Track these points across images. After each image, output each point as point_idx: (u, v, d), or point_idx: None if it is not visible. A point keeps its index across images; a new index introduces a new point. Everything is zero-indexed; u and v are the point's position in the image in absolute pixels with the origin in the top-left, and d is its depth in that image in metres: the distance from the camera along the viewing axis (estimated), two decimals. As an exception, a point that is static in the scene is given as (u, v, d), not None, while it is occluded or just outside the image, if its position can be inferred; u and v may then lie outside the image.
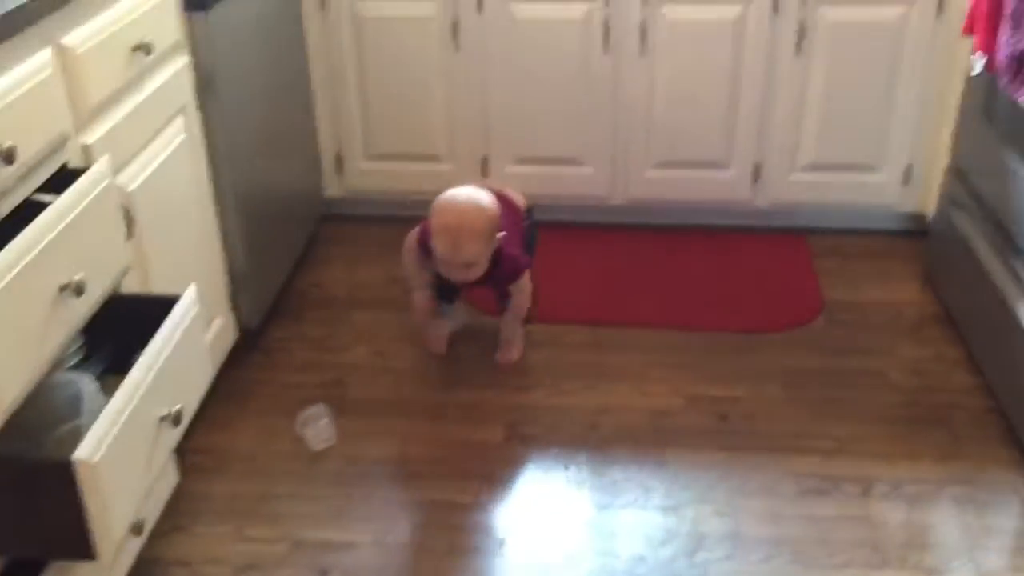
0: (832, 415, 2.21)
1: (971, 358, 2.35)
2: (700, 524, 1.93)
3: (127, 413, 1.37)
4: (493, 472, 2.07)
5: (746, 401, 2.26)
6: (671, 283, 2.70)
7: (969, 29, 2.22)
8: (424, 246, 2.22)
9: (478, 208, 2.11)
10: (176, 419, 1.51)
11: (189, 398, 1.61)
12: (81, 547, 1.33)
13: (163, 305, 1.59)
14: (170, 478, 1.85)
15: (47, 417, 1.41)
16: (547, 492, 2.03)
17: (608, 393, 2.30)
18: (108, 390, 1.47)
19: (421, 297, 2.35)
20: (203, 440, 2.12)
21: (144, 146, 1.80)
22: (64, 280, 1.36)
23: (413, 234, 2.27)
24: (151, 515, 1.72)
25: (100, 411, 1.37)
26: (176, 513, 1.92)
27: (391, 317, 2.54)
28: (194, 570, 1.83)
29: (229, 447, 2.13)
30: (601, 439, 2.16)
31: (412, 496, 2.01)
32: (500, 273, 2.22)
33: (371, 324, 2.54)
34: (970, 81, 2.38)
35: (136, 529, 1.52)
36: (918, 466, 2.06)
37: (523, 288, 2.29)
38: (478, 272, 2.15)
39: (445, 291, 2.38)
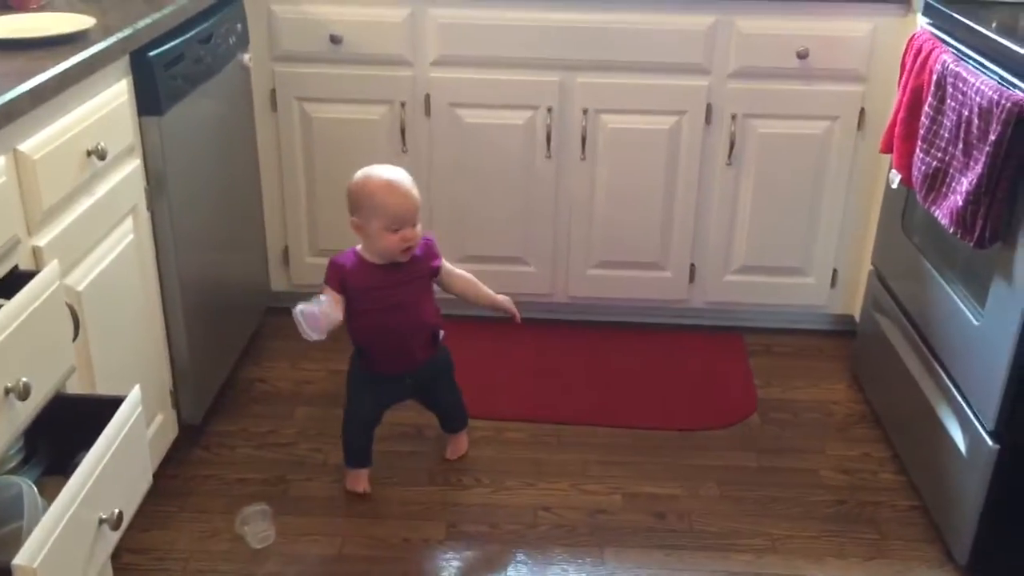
0: (765, 513, 2.27)
1: (896, 457, 2.44)
2: (638, 625, 1.96)
3: (67, 517, 1.37)
4: (434, 571, 2.08)
5: (683, 499, 2.31)
6: (611, 380, 2.76)
7: (887, 147, 2.37)
8: (346, 280, 2.12)
9: (395, 167, 2.14)
10: (116, 523, 1.51)
11: (130, 500, 1.61)
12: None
13: (107, 406, 1.60)
14: (106, 579, 1.83)
15: (-13, 521, 1.41)
16: (486, 591, 2.04)
17: (548, 491, 2.33)
18: (48, 491, 1.47)
19: (354, 475, 2.30)
20: (139, 540, 2.10)
21: (94, 246, 1.84)
22: (10, 383, 1.37)
23: (328, 308, 2.08)
24: None
25: (40, 514, 1.37)
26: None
27: (333, 413, 2.54)
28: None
29: (166, 547, 2.11)
30: (540, 537, 2.19)
31: (354, 597, 2.01)
32: (420, 249, 2.16)
33: (314, 419, 2.55)
34: (888, 193, 2.52)
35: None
36: (847, 565, 2.11)
37: (458, 271, 2.29)
38: (419, 234, 2.11)
39: (387, 391, 2.28)
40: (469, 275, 2.30)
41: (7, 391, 1.37)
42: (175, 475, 2.30)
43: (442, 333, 2.27)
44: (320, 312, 2.02)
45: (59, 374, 1.54)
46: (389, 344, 2.17)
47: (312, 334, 2.00)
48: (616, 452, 2.47)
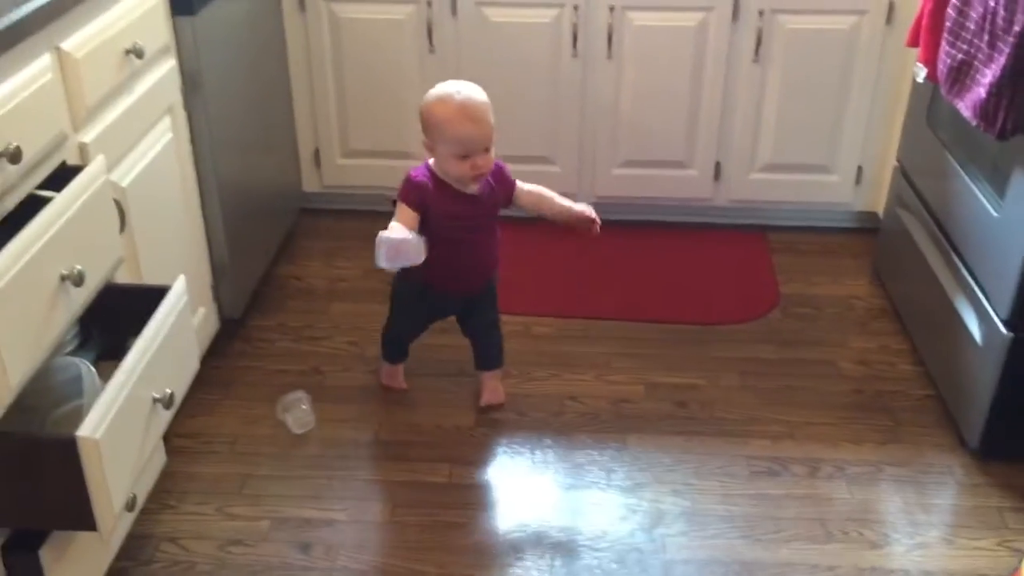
0: (784, 402, 2.35)
1: (914, 349, 2.50)
2: (658, 503, 2.06)
3: (124, 395, 1.48)
4: (464, 455, 2.19)
5: (704, 389, 2.40)
6: (635, 277, 2.83)
7: (913, 41, 2.37)
8: (423, 193, 2.02)
9: (472, 87, 2.01)
10: (168, 402, 1.62)
11: (179, 382, 1.71)
12: (82, 519, 1.43)
13: (153, 295, 1.69)
14: (159, 459, 1.95)
15: (50, 397, 1.52)
16: (515, 474, 2.15)
17: (573, 382, 2.42)
18: (103, 374, 1.57)
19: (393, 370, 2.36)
20: (188, 425, 2.22)
21: (135, 144, 1.90)
22: (65, 270, 1.46)
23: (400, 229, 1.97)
24: (142, 493, 1.82)
25: (98, 393, 1.48)
26: (164, 493, 2.02)
27: (367, 308, 2.65)
28: (182, 545, 1.93)
29: (213, 431, 2.23)
30: (566, 424, 2.28)
31: (387, 476, 2.12)
32: (493, 178, 2.08)
33: (348, 315, 2.65)
34: (915, 88, 2.52)
35: (130, 505, 1.62)
36: (861, 449, 2.20)
37: (535, 188, 2.17)
38: (491, 161, 2.01)
39: (434, 307, 2.24)
40: (541, 188, 2.17)
41: (63, 278, 1.46)
42: (218, 366, 2.41)
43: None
44: (411, 247, 1.91)
45: (109, 264, 1.63)
46: (455, 269, 2.12)
47: (386, 263, 1.92)
48: (640, 345, 2.55)
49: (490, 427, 2.27)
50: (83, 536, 1.58)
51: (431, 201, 2.02)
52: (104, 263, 1.61)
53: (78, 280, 1.48)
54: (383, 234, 1.91)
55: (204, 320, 2.29)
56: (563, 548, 1.95)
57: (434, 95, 2.00)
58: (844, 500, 2.06)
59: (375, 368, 2.44)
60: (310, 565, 1.90)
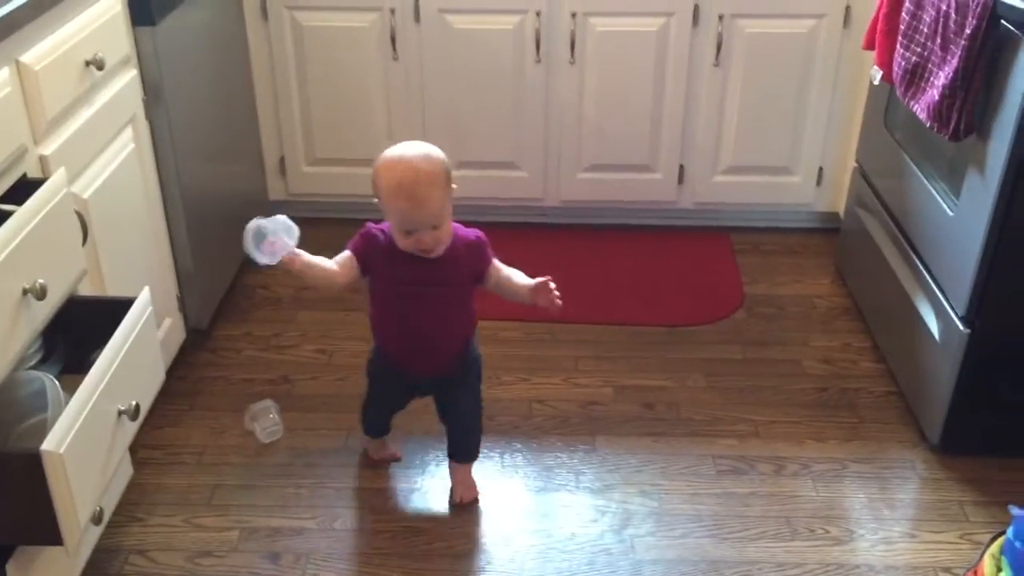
0: (749, 402, 2.38)
1: (876, 347, 2.54)
2: (627, 504, 2.08)
3: (89, 407, 1.47)
4: (434, 460, 2.20)
5: (671, 390, 2.42)
6: (602, 280, 2.85)
7: (870, 44, 2.41)
8: (369, 250, 1.87)
9: (428, 154, 1.78)
10: (133, 414, 1.61)
11: (145, 393, 1.71)
12: (48, 533, 1.42)
13: (118, 307, 1.68)
14: (125, 471, 1.94)
15: (14, 411, 1.51)
16: (485, 477, 2.16)
17: (541, 385, 2.44)
18: (67, 388, 1.56)
19: (375, 444, 2.18)
20: (155, 436, 2.21)
21: (96, 155, 1.89)
22: (27, 284, 1.45)
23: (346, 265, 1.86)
24: (109, 506, 1.81)
25: (62, 406, 1.47)
26: (131, 505, 2.01)
27: (335, 316, 2.65)
28: (150, 558, 1.92)
29: (180, 442, 2.22)
30: (535, 428, 2.30)
31: (357, 484, 2.13)
32: (464, 250, 1.88)
33: (316, 323, 2.65)
34: (872, 90, 2.57)
35: (96, 518, 1.61)
36: (826, 447, 2.23)
37: (504, 272, 1.94)
38: (445, 238, 1.80)
39: (404, 387, 2.05)
40: (512, 272, 1.95)
41: (25, 291, 1.45)
42: (184, 376, 2.40)
43: (475, 336, 2.02)
44: (286, 245, 1.78)
45: (72, 276, 1.62)
46: (409, 343, 1.93)
47: (262, 258, 1.78)
48: (607, 348, 2.57)
49: (459, 432, 2.28)
50: (49, 550, 1.57)
51: (379, 256, 1.84)
52: (66, 276, 1.60)
53: (40, 294, 1.47)
54: (256, 222, 1.78)
55: (170, 330, 2.28)
56: (533, 551, 1.97)
57: (383, 158, 1.78)
58: (809, 497, 2.09)
59: (343, 375, 2.44)
60: (280, 574, 1.90)
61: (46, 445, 1.37)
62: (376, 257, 1.85)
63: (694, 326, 2.66)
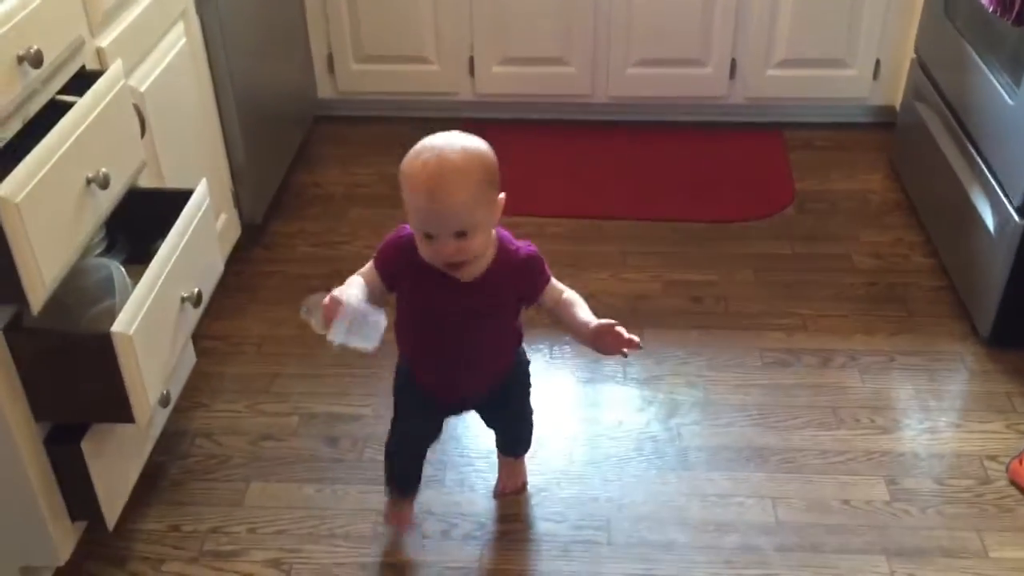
0: (797, 296, 2.38)
1: (929, 241, 2.52)
2: (674, 394, 2.12)
3: (154, 293, 1.53)
4: (484, 351, 2.24)
5: (719, 285, 2.43)
6: (650, 177, 2.84)
7: (932, -74, 2.32)
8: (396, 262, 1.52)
9: (465, 146, 1.42)
10: (196, 300, 1.67)
11: (206, 282, 1.76)
12: (120, 411, 1.50)
13: (178, 198, 1.73)
14: (189, 359, 2.01)
15: (84, 297, 1.57)
16: (534, 370, 2.19)
17: (590, 280, 2.46)
18: (131, 279, 1.61)
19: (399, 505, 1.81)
20: (215, 328, 2.28)
21: (150, 50, 1.91)
22: (91, 173, 1.49)
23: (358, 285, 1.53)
24: (175, 390, 1.89)
25: (129, 292, 1.53)
26: (195, 391, 2.10)
27: (386, 213, 2.68)
28: (215, 440, 2.01)
29: (239, 334, 2.29)
30: (584, 321, 2.33)
31: (410, 374, 2.18)
32: (510, 273, 1.52)
33: (367, 220, 2.68)
34: (934, -23, 2.49)
35: (163, 401, 1.69)
36: (874, 340, 2.24)
37: (564, 296, 1.58)
38: (475, 250, 1.44)
39: (438, 410, 1.75)
40: (573, 296, 1.59)
41: (88, 181, 1.50)
42: (240, 271, 2.46)
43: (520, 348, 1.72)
44: (367, 317, 1.44)
45: (132, 167, 1.66)
46: (441, 374, 1.64)
47: (329, 333, 1.45)
48: (655, 244, 2.58)
49: (509, 325, 2.32)
50: (122, 430, 1.65)
51: (406, 270, 1.51)
52: (127, 166, 1.64)
53: (103, 183, 1.51)
54: (338, 293, 1.46)
55: (226, 225, 2.33)
56: (582, 438, 2.02)
57: (416, 146, 1.44)
58: (856, 388, 2.11)
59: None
60: (338, 457, 1.97)
61: (116, 327, 1.43)
62: (403, 271, 1.52)
63: (743, 222, 2.65)
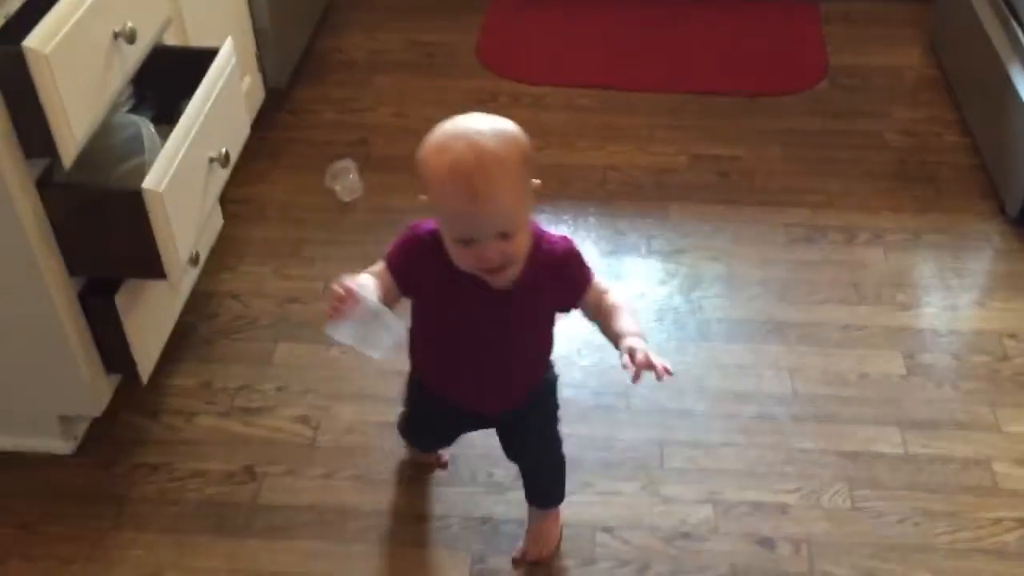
0: (826, 172, 2.36)
1: (963, 120, 2.47)
2: (697, 268, 2.12)
3: (183, 151, 1.53)
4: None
5: (746, 159, 2.41)
6: (680, 49, 2.78)
7: None
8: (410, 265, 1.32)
9: (497, 129, 1.20)
10: (224, 160, 1.67)
11: (233, 143, 1.76)
12: (152, 267, 1.52)
13: (203, 56, 1.71)
14: (216, 221, 2.03)
15: (113, 155, 1.57)
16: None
17: (615, 153, 2.44)
18: (159, 137, 1.62)
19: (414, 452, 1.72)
20: (241, 192, 2.29)
21: (173, -98, 1.86)
22: (117, 27, 1.48)
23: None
24: (204, 250, 1.91)
25: (158, 150, 1.53)
26: (223, 254, 2.12)
27: (411, 80, 2.65)
28: (244, 301, 2.04)
29: (265, 198, 2.31)
30: (608, 194, 2.32)
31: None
32: (548, 273, 1.30)
33: (391, 87, 2.65)
34: None
35: (193, 260, 1.71)
36: (900, 217, 2.22)
37: (607, 301, 1.34)
38: (519, 254, 1.23)
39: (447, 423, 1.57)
40: (619, 304, 1.34)
41: (116, 35, 1.48)
42: (265, 137, 2.45)
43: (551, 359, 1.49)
44: (384, 319, 1.21)
45: (158, 23, 1.64)
46: (463, 386, 1.43)
47: (342, 334, 1.23)
48: (683, 117, 2.54)
49: (535, 196, 2.31)
50: (153, 286, 1.68)
51: (426, 274, 1.30)
52: (153, 22, 1.62)
53: (130, 37, 1.50)
54: (350, 283, 1.23)
55: (250, 88, 2.31)
56: (604, 307, 2.04)
57: (433, 136, 1.22)
58: (879, 265, 2.11)
59: (420, 140, 2.46)
60: (364, 321, 2.01)
61: (147, 184, 1.44)
62: (423, 275, 1.30)
63: (774, 96, 2.60)
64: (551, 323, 1.41)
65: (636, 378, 1.22)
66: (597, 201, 2.30)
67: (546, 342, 1.44)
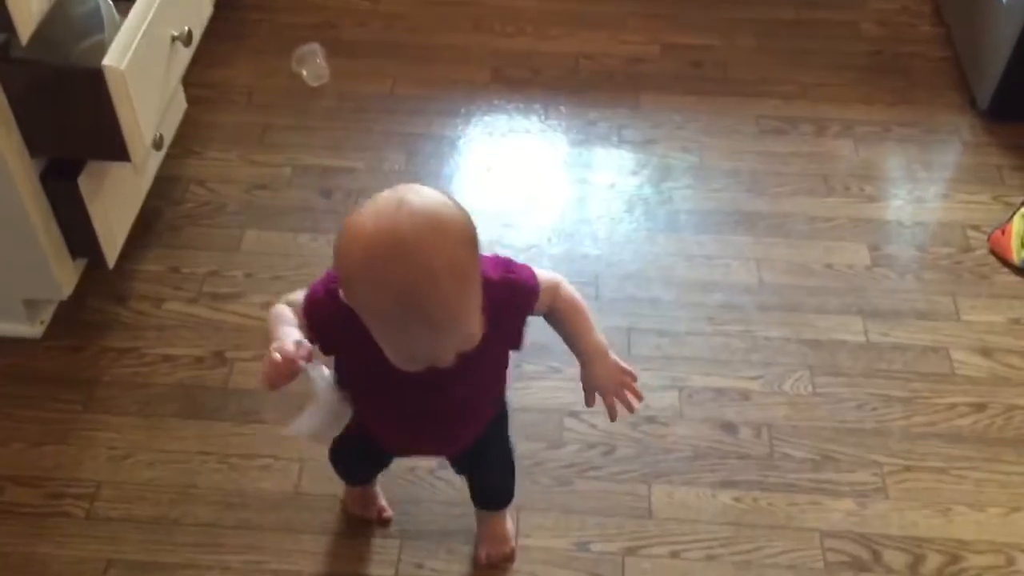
0: (799, 63, 2.34)
1: (937, 11, 2.45)
2: (668, 158, 2.12)
3: (144, 28, 1.48)
4: (479, 109, 2.22)
5: (719, 49, 2.38)
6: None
7: None
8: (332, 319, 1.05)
9: (437, 218, 0.94)
10: (187, 39, 1.62)
11: (196, 21, 1.71)
12: (115, 148, 1.49)
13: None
14: (180, 104, 1.99)
15: (72, 31, 1.52)
16: (529, 128, 2.19)
17: (587, 40, 2.40)
18: (121, 11, 1.56)
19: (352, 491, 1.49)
20: (205, 76, 2.23)
21: None
22: None
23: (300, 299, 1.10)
24: (168, 133, 1.87)
25: (118, 27, 1.48)
26: (187, 139, 2.08)
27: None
28: (209, 188, 2.01)
29: (230, 83, 2.25)
30: (580, 83, 2.29)
31: (402, 129, 2.17)
32: (496, 317, 1.04)
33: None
34: None
35: (157, 143, 1.68)
36: (872, 109, 2.22)
37: (561, 296, 1.15)
38: (477, 336, 1.00)
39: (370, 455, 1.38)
40: (573, 303, 1.17)
41: (69, -97, 1.42)
42: (229, 18, 2.37)
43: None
44: (334, 409, 1.10)
45: None
46: (406, 436, 1.27)
47: (288, 424, 1.10)
48: (656, 5, 2.50)
49: (504, 84, 2.28)
50: (117, 169, 1.65)
51: (344, 335, 1.04)
52: None
53: (85, -94, 1.43)
54: (297, 358, 1.01)
55: (212, -33, 2.23)
56: (573, 198, 2.04)
57: (354, 233, 0.94)
58: (849, 158, 2.12)
59: (389, 24, 2.41)
60: (332, 208, 1.99)
61: (107, 60, 1.40)
62: (348, 339, 1.03)
63: (749, -15, 2.56)
64: (505, 364, 1.21)
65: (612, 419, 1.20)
66: (568, 90, 2.27)
67: (499, 386, 1.26)
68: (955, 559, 1.47)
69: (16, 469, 1.55)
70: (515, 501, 1.45)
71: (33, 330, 1.71)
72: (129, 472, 1.55)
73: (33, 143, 1.48)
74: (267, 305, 1.79)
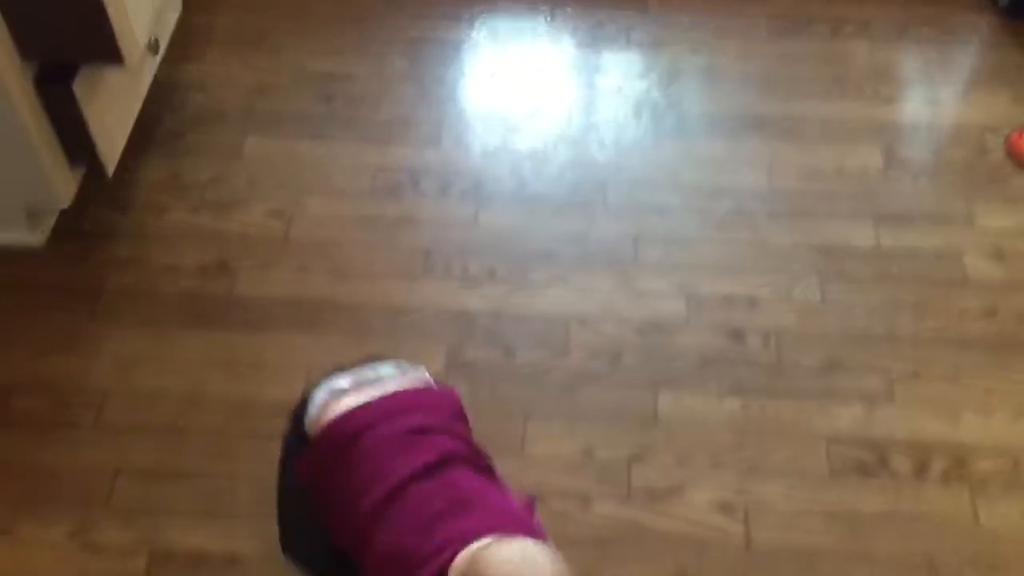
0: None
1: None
2: (677, 61, 2.06)
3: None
4: (483, 12, 2.15)
5: (732, -54, 2.30)
6: None
7: None
8: None
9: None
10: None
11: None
12: (108, 51, 1.45)
13: None
14: (175, 6, 1.93)
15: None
16: (534, 32, 2.13)
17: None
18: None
19: None
20: (200, -23, 2.17)
21: None
22: None
23: None
24: (163, 37, 1.82)
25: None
26: (185, 44, 2.03)
27: None
28: (208, 93, 1.97)
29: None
30: (588, -18, 2.22)
31: (405, 36, 2.11)
32: None
33: None
34: None
35: (152, 47, 1.64)
36: (888, 8, 2.15)
37: None
38: None
39: None
40: None
41: None
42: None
43: None
44: None
45: None
46: None
47: None
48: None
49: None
50: (113, 74, 1.60)
51: None
52: None
53: None
54: None
55: None
56: (580, 103, 1.99)
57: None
58: (864, 59, 2.05)
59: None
60: (333, 114, 1.95)
61: (95, -41, 1.35)
62: None
63: None
64: None
65: None
66: (574, -9, 2.20)
67: None
68: (961, 463, 1.47)
69: (22, 378, 1.55)
70: (521, 409, 1.44)
71: (35, 238, 1.70)
72: (136, 381, 1.55)
73: (24, 44, 1.43)
74: (270, 212, 1.79)
